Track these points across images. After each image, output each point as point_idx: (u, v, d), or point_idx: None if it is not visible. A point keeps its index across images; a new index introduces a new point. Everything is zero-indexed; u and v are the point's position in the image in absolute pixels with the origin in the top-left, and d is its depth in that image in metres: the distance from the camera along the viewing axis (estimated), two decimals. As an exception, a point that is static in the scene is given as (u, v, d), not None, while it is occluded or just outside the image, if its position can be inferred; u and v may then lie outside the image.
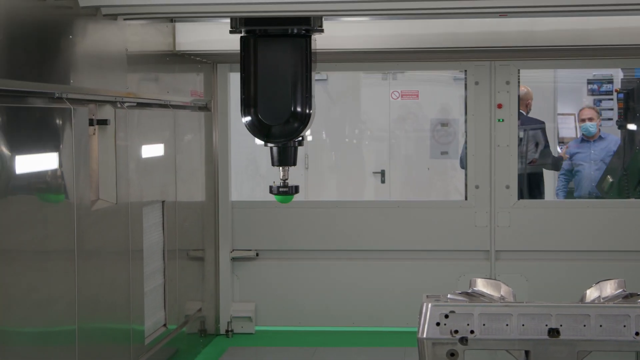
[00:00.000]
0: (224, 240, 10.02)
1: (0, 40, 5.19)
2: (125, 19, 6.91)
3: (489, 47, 8.63)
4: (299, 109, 6.81)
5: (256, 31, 6.83)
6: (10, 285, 5.22)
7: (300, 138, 7.03)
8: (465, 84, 10.01)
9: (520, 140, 10.50)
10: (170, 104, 8.42)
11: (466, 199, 10.05)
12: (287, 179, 7.19)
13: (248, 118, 6.83)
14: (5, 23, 5.23)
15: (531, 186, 11.12)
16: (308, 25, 6.78)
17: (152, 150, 7.86)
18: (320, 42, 7.24)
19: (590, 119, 11.56)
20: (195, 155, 9.36)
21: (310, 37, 6.86)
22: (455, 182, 13.18)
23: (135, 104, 7.48)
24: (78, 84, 6.22)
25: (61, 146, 5.91)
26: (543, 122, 11.44)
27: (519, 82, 9.96)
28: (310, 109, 6.85)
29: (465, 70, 9.99)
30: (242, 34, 6.88)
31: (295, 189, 7.25)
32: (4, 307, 5.11)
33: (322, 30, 6.89)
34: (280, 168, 7.17)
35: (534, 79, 13.04)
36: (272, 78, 6.81)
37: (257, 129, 6.84)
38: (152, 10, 6.64)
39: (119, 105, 7.07)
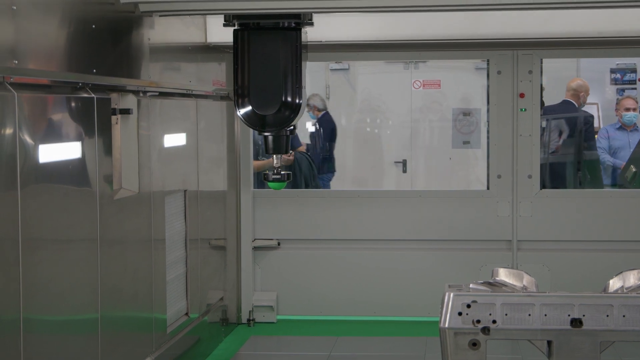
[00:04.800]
0: (246, 230, 10.03)
1: (25, 31, 5.21)
2: (160, 16, 7.15)
3: (510, 39, 8.60)
4: (289, 99, 7.09)
5: (249, 24, 7.13)
6: (34, 274, 5.25)
7: (292, 127, 7.30)
8: (488, 73, 9.99)
9: (572, 130, 10.56)
10: (193, 93, 8.43)
11: (488, 188, 10.03)
12: (280, 167, 7.49)
13: (242, 108, 7.15)
14: (29, 14, 5.25)
15: (591, 174, 11.15)
16: (298, 19, 7.09)
17: (174, 140, 7.88)
18: (339, 32, 7.43)
19: (634, 109, 11.55)
20: (217, 145, 9.37)
21: (300, 30, 7.14)
22: (477, 172, 13.15)
23: (157, 94, 7.50)
24: (101, 73, 6.24)
25: (84, 135, 5.93)
26: (592, 116, 11.48)
27: (541, 71, 9.92)
28: (300, 98, 7.12)
29: (488, 60, 9.96)
30: (235, 27, 7.18)
31: (288, 176, 7.53)
32: (28, 296, 5.14)
33: (312, 24, 7.19)
34: (274, 156, 7.47)
35: (556, 68, 12.99)
36: (264, 69, 7.11)
37: (250, 118, 7.16)
38: (182, 7, 6.92)
39: (141, 95, 7.09)
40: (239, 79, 7.17)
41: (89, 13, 6.12)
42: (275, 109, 7.11)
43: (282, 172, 7.50)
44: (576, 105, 11.22)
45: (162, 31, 7.56)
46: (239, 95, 7.16)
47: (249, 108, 7.15)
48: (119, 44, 6.67)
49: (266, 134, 7.34)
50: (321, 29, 7.88)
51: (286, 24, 7.13)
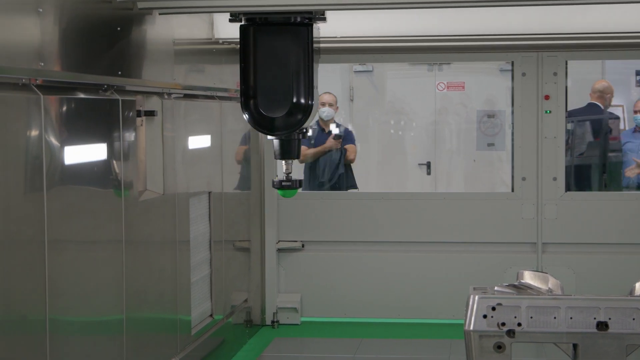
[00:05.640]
0: (270, 231, 10.04)
1: (50, 33, 5.24)
2: (160, 14, 6.85)
3: (534, 35, 8.55)
4: (300, 101, 6.59)
5: (256, 20, 6.62)
6: (60, 275, 5.27)
7: (304, 130, 6.80)
8: (512, 75, 9.96)
9: (597, 132, 10.52)
10: (217, 95, 8.44)
11: (513, 191, 9.99)
12: (290, 173, 6.97)
13: (248, 110, 6.62)
14: (56, 17, 5.27)
15: (611, 175, 11.09)
16: (309, 14, 6.58)
17: (199, 141, 7.90)
18: (354, 28, 7.10)
19: None
20: (242, 146, 9.39)
21: (311, 26, 6.62)
22: (501, 174, 13.11)
23: (182, 95, 7.52)
24: (126, 75, 6.26)
25: (109, 137, 5.95)
26: (618, 117, 11.41)
27: (566, 73, 9.88)
28: (312, 100, 6.60)
29: (512, 62, 9.93)
30: (242, 23, 6.67)
31: (299, 183, 7.01)
32: (54, 297, 5.16)
33: (324, 19, 6.70)
34: (283, 161, 6.95)
35: (581, 70, 12.93)
36: (272, 68, 6.59)
37: (258, 121, 6.62)
38: (182, 4, 6.65)
39: (166, 97, 7.11)
40: (246, 79, 6.61)
41: (114, 15, 6.14)
42: (285, 110, 6.56)
43: (293, 179, 6.95)
44: (602, 107, 11.17)
45: (187, 33, 7.58)
46: (246, 96, 6.60)
47: (255, 109, 6.59)
48: (144, 46, 6.69)
49: (274, 137, 6.79)
50: (335, 25, 7.51)
51: (297, 20, 6.58)
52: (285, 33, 6.57)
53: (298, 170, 11.20)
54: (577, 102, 11.53)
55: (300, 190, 10.78)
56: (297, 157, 6.91)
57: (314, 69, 6.65)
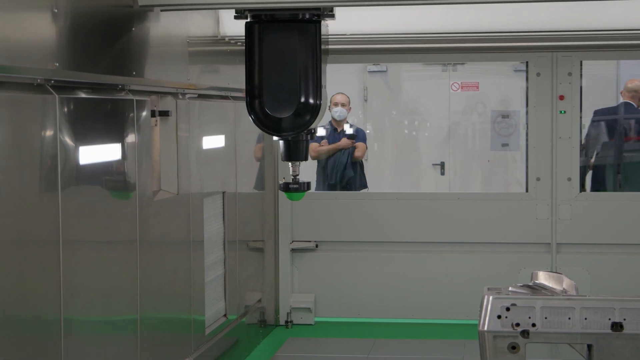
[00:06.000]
0: (284, 232, 10.05)
1: (65, 33, 5.25)
2: (162, 10, 6.64)
3: (549, 34, 8.51)
4: (308, 100, 6.29)
5: (262, 17, 6.34)
6: (75, 275, 5.28)
7: (312, 131, 6.52)
8: (527, 76, 9.94)
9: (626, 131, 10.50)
10: (231, 95, 8.45)
11: (527, 191, 9.98)
12: (297, 175, 6.72)
13: (253, 110, 6.32)
14: (71, 17, 5.28)
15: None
16: (318, 10, 6.31)
17: (213, 142, 7.91)
18: (366, 25, 6.91)
19: None
20: (256, 146, 9.40)
21: (319, 22, 6.34)
22: (516, 174, 13.09)
23: (196, 95, 7.53)
24: (140, 75, 6.28)
25: (124, 137, 5.96)
26: None
27: (581, 73, 9.86)
28: (319, 99, 6.31)
29: (527, 62, 9.91)
30: (248, 20, 6.39)
31: (307, 186, 6.75)
32: (68, 296, 5.18)
33: (332, 16, 6.39)
34: (290, 163, 6.70)
35: (596, 71, 12.90)
36: (279, 67, 6.29)
37: (263, 121, 6.32)
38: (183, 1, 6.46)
39: (180, 97, 7.12)
40: (251, 78, 6.31)
41: (128, 16, 6.15)
42: (292, 111, 6.26)
43: (301, 182, 6.69)
44: (635, 106, 11.13)
45: (201, 33, 7.59)
46: (251, 96, 6.30)
47: (261, 109, 6.28)
48: (159, 46, 6.70)
49: (280, 138, 6.52)
50: (345, 23, 7.25)
51: (305, 17, 6.29)
52: (292, 30, 6.29)
53: (311, 171, 11.21)
54: (592, 101, 11.50)
55: (313, 190, 10.87)
56: (305, 158, 6.67)
57: (323, 68, 6.41)
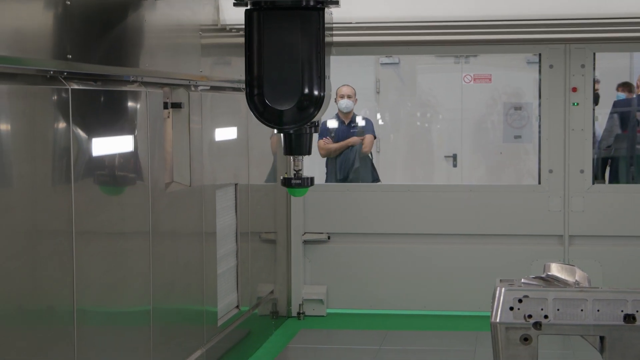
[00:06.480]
0: (296, 223, 10.06)
1: (77, 25, 5.26)
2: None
3: (563, 21, 8.45)
4: (311, 92, 5.90)
5: (262, 4, 5.97)
6: (88, 266, 5.30)
7: (316, 124, 6.11)
8: (540, 68, 9.92)
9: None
10: (243, 87, 8.43)
11: (539, 183, 9.96)
12: (300, 170, 6.32)
13: (252, 102, 5.94)
14: (83, 9, 5.29)
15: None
16: None
17: (225, 133, 7.91)
18: (372, 12, 6.80)
19: None
20: (268, 138, 9.40)
21: (323, 10, 6.00)
22: (528, 166, 13.07)
23: (208, 87, 7.53)
24: (153, 67, 6.28)
25: (136, 129, 5.97)
26: None
27: (594, 65, 9.84)
28: (323, 90, 5.94)
29: (540, 54, 9.89)
30: (247, 7, 6.03)
31: (310, 181, 6.31)
32: (81, 288, 5.20)
33: (337, 3, 6.07)
34: (293, 158, 6.29)
35: (609, 63, 12.87)
36: (280, 57, 5.93)
37: (263, 114, 5.91)
38: None
39: (192, 89, 7.13)
40: (251, 68, 5.95)
41: (140, 8, 6.16)
42: (294, 102, 5.88)
43: (304, 177, 6.28)
44: None
45: (213, 25, 7.59)
46: (251, 87, 5.92)
47: (264, 102, 5.90)
48: (171, 38, 6.70)
49: (281, 131, 6.11)
50: (350, 9, 7.02)
51: (307, 3, 5.95)
52: (294, 18, 5.93)
53: (320, 164, 11.20)
54: (606, 94, 11.48)
55: (324, 182, 10.86)
56: (308, 153, 6.30)
57: (327, 58, 6.03)
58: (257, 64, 5.94)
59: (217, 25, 7.72)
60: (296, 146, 6.19)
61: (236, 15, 7.42)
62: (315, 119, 6.01)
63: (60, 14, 5.07)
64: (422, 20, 8.13)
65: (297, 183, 6.26)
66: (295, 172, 6.30)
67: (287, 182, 6.27)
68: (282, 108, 5.90)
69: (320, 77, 5.93)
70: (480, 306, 9.53)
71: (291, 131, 6.07)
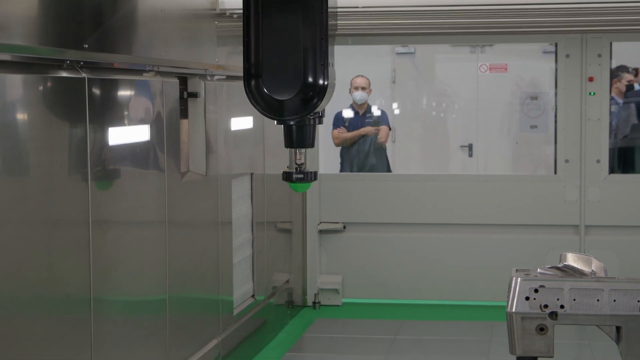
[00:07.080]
0: (312, 213, 10.06)
1: (94, 15, 5.27)
2: None
3: (580, 3, 8.39)
4: (314, 80, 5.50)
5: None
6: (104, 255, 5.32)
7: (320, 114, 5.74)
8: (556, 57, 9.89)
9: None
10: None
11: (555, 173, 9.94)
12: (303, 163, 5.89)
13: (251, 92, 5.56)
14: (98, -3, 5.31)
15: None
16: None
17: (241, 123, 7.92)
18: None
19: None
20: (282, 128, 9.39)
21: None
22: (544, 156, 13.04)
23: (224, 77, 7.54)
24: (169, 57, 6.29)
25: (152, 118, 5.98)
26: None
27: (610, 55, 9.80)
28: (326, 79, 5.54)
29: (556, 43, 9.86)
30: None
31: (314, 176, 5.87)
32: (99, 277, 5.22)
33: None
34: (295, 151, 5.87)
35: (625, 53, 12.81)
36: (280, 43, 5.52)
37: (262, 104, 5.53)
38: None
39: (208, 78, 7.13)
40: (249, 55, 5.55)
41: (157, -3, 6.17)
42: (295, 92, 5.47)
43: (307, 171, 5.85)
44: None
45: (230, 14, 7.59)
46: (249, 75, 5.53)
47: (263, 91, 5.51)
48: (187, 28, 6.71)
49: (281, 123, 5.73)
50: None
51: None
52: (295, 2, 5.53)
53: (334, 154, 11.17)
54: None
55: (339, 172, 10.85)
56: (312, 145, 5.87)
57: (331, 44, 5.64)
58: (254, 50, 5.56)
59: (233, 14, 7.71)
60: (298, 138, 5.81)
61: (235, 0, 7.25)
62: (318, 110, 5.65)
63: (76, 3, 5.08)
64: (432, 4, 7.97)
65: (299, 178, 5.87)
66: (297, 165, 5.89)
67: (288, 177, 5.88)
68: (283, 98, 5.53)
69: (323, 65, 5.55)
70: (496, 296, 9.53)
71: (292, 122, 5.71)
